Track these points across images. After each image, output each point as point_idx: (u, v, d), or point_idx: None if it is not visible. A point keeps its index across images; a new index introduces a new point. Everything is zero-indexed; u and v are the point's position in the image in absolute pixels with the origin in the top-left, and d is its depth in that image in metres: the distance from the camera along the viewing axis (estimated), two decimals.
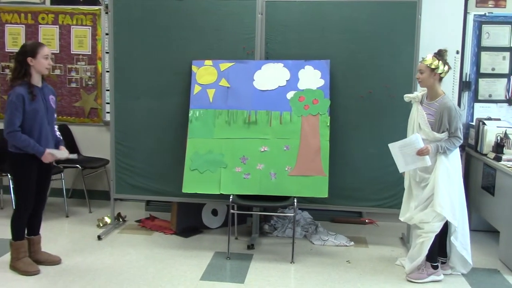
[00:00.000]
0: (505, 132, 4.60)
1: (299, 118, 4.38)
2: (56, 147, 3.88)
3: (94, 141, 5.75)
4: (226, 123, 4.46)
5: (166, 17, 4.65)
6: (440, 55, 3.79)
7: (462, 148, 5.14)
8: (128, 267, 3.96)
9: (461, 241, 3.87)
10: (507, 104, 5.34)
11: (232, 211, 4.29)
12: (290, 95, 4.44)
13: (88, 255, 4.18)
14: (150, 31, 4.67)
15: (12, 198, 4.02)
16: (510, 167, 4.16)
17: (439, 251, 3.91)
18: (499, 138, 4.60)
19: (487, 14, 5.29)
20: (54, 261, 3.97)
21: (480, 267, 4.16)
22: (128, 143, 4.75)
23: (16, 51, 3.80)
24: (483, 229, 4.96)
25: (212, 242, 4.59)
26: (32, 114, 3.66)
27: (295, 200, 4.19)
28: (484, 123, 4.83)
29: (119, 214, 5.05)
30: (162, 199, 4.87)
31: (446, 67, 3.78)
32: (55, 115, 3.93)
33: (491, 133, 4.71)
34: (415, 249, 3.86)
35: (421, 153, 3.70)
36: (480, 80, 5.37)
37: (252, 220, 4.80)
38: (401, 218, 4.04)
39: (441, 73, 3.77)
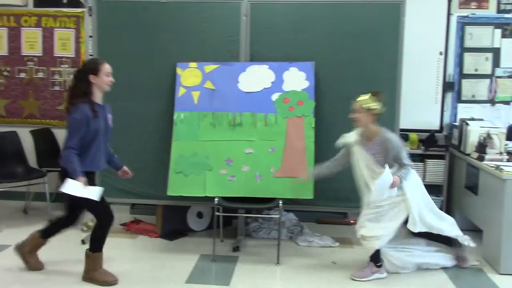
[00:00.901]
0: (488, 132, 4.65)
1: (284, 119, 4.39)
2: (109, 163, 3.94)
3: None
4: (211, 125, 4.45)
5: (150, 19, 4.63)
6: (376, 95, 3.81)
7: (446, 148, 5.18)
8: (113, 271, 3.91)
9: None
10: (489, 104, 5.41)
11: (217, 213, 4.29)
12: (275, 97, 4.44)
13: (72, 260, 4.13)
14: (134, 34, 4.64)
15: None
16: (493, 166, 4.20)
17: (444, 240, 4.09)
18: (482, 138, 4.64)
19: (470, 16, 5.35)
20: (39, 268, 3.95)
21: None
22: (113, 146, 4.68)
23: None
24: (467, 228, 4.96)
25: (197, 244, 4.57)
26: (94, 133, 3.59)
27: (280, 202, 4.19)
28: (467, 124, 4.87)
29: None
30: (147, 202, 4.84)
31: (381, 106, 3.80)
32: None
33: (474, 133, 4.74)
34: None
35: (394, 185, 3.77)
36: (463, 80, 5.42)
37: (238, 222, 4.79)
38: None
39: (377, 113, 3.80)
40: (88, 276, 3.73)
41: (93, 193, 3.52)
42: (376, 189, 3.77)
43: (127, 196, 4.74)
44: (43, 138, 5.59)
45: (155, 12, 4.61)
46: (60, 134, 5.71)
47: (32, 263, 3.91)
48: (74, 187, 3.46)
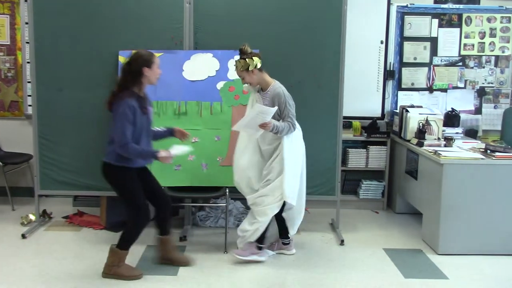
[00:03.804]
0: (427, 119, 4.82)
1: (230, 108, 4.38)
2: (160, 138, 3.84)
3: (16, 135, 5.49)
4: (155, 114, 4.36)
5: (90, 5, 4.48)
6: (243, 52, 3.79)
7: (387, 134, 5.34)
8: (56, 265, 3.83)
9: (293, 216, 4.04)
10: (428, 92, 5.60)
11: None
12: (220, 85, 4.42)
13: (12, 255, 4.00)
14: (74, 20, 4.48)
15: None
16: (431, 152, 4.36)
17: (283, 233, 4.09)
18: (421, 124, 4.80)
19: (409, 5, 5.50)
20: (186, 261, 3.89)
21: (405, 248, 4.35)
22: (53, 137, 4.56)
23: None
24: (407, 212, 5.20)
25: (143, 235, 4.44)
26: (140, 128, 3.50)
27: (227, 190, 4.20)
28: (407, 111, 5.02)
29: (44, 211, 4.85)
30: (90, 193, 4.72)
31: (256, 59, 3.76)
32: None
33: (414, 120, 4.90)
34: (249, 233, 3.94)
35: (264, 126, 3.67)
36: (403, 69, 5.59)
37: (184, 211, 4.76)
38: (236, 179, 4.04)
39: (256, 67, 3.76)
40: (110, 272, 3.65)
41: (183, 149, 3.61)
42: (261, 111, 3.65)
43: (69, 188, 4.62)
44: None
45: None
46: None
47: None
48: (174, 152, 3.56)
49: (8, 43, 5.42)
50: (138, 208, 3.61)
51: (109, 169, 3.57)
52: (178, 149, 3.60)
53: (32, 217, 4.73)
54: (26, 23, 5.00)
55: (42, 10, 4.48)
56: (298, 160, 3.92)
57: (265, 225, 3.90)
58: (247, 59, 3.75)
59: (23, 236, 4.36)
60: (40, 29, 4.50)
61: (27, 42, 5.00)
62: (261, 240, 3.97)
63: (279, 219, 4.03)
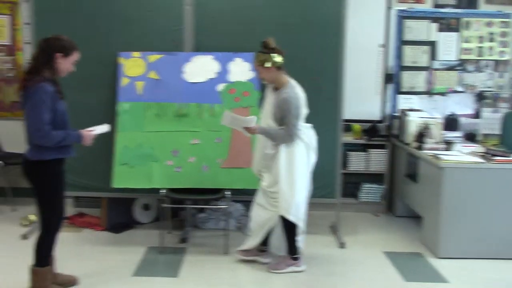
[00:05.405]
0: (426, 123, 4.83)
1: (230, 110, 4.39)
2: None
3: (17, 135, 5.38)
4: (156, 116, 4.38)
5: (90, 6, 4.49)
6: (266, 47, 3.66)
7: (387, 138, 5.35)
8: (56, 267, 3.81)
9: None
10: (427, 95, 5.62)
11: (164, 205, 4.24)
12: (220, 87, 4.43)
13: (13, 256, 4.00)
14: (74, 21, 4.48)
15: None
16: (431, 155, 4.37)
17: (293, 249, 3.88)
18: (420, 128, 4.81)
19: (408, 9, 5.52)
20: (70, 281, 3.56)
21: (405, 251, 4.36)
22: None
23: None
24: (407, 215, 5.21)
25: (144, 237, 4.51)
26: (62, 116, 3.18)
27: (228, 192, 4.20)
28: (407, 114, 5.04)
29: None
30: (91, 195, 4.72)
31: (277, 56, 3.64)
32: None
33: (413, 124, 4.91)
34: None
35: (247, 130, 3.68)
36: (402, 72, 5.60)
37: (185, 213, 4.76)
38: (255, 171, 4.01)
39: (274, 64, 3.65)
40: None
41: (103, 128, 3.48)
42: (234, 117, 3.66)
43: (70, 189, 4.52)
44: None
45: None
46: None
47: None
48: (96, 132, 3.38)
49: (9, 43, 5.42)
50: (55, 213, 3.27)
51: (31, 166, 3.18)
52: (98, 128, 3.46)
53: (33, 217, 4.72)
54: (27, 24, 5.00)
55: (43, 11, 4.49)
56: (298, 172, 3.71)
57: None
58: (265, 54, 3.64)
59: (24, 237, 4.36)
60: (40, 29, 4.49)
61: (28, 43, 5.00)
62: (293, 251, 3.87)
63: (291, 237, 3.84)
